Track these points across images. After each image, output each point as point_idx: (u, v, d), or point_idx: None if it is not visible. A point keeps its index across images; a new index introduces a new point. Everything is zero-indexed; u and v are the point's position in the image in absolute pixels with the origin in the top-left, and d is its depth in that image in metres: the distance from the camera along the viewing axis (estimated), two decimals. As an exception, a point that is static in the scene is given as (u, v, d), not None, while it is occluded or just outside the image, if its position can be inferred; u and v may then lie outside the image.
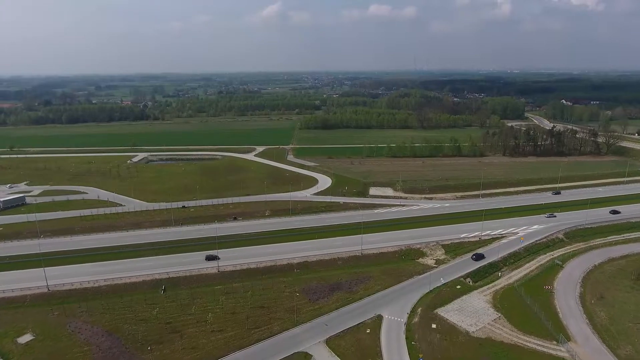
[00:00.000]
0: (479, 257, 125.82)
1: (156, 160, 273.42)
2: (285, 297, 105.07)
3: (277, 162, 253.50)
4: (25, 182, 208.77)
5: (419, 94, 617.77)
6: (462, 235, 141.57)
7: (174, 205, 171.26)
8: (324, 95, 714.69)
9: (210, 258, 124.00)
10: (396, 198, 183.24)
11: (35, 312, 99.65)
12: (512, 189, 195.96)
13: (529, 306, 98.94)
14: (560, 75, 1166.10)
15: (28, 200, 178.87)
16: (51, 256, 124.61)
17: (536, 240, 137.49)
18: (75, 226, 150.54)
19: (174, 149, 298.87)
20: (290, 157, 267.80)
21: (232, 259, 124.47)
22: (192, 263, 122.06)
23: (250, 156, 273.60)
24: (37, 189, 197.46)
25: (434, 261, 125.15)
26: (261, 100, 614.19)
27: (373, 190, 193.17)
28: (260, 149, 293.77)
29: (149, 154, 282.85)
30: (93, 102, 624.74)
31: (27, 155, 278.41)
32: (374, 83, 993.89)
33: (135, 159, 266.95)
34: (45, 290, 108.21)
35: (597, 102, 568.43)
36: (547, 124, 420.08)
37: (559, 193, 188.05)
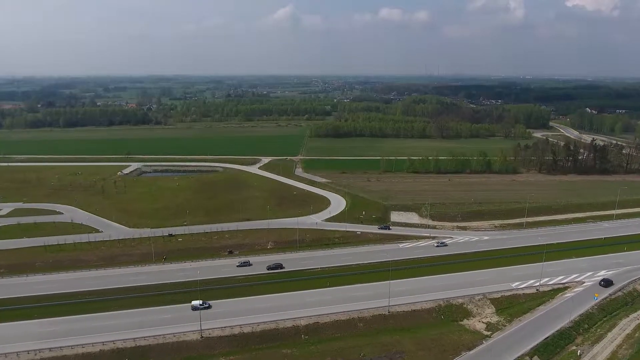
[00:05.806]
0: (607, 283, 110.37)
1: (150, 172, 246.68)
2: (289, 386, 76.79)
3: (283, 176, 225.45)
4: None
5: (435, 100, 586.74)
6: (513, 285, 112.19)
7: (159, 232, 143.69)
8: (335, 100, 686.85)
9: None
10: (423, 227, 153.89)
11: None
12: (560, 217, 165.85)
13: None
14: (576, 81, 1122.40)
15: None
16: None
17: (610, 295, 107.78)
18: (36, 260, 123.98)
19: (171, 158, 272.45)
20: (299, 171, 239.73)
21: (221, 316, 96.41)
22: (170, 322, 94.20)
23: (254, 169, 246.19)
24: (7, 207, 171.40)
25: (485, 325, 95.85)
26: (269, 105, 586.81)
27: (395, 216, 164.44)
28: (265, 160, 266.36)
29: (143, 164, 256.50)
30: (97, 104, 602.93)
31: (10, 164, 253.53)
32: (386, 88, 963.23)
33: (126, 170, 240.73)
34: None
35: (623, 110, 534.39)
36: (576, 134, 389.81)
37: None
